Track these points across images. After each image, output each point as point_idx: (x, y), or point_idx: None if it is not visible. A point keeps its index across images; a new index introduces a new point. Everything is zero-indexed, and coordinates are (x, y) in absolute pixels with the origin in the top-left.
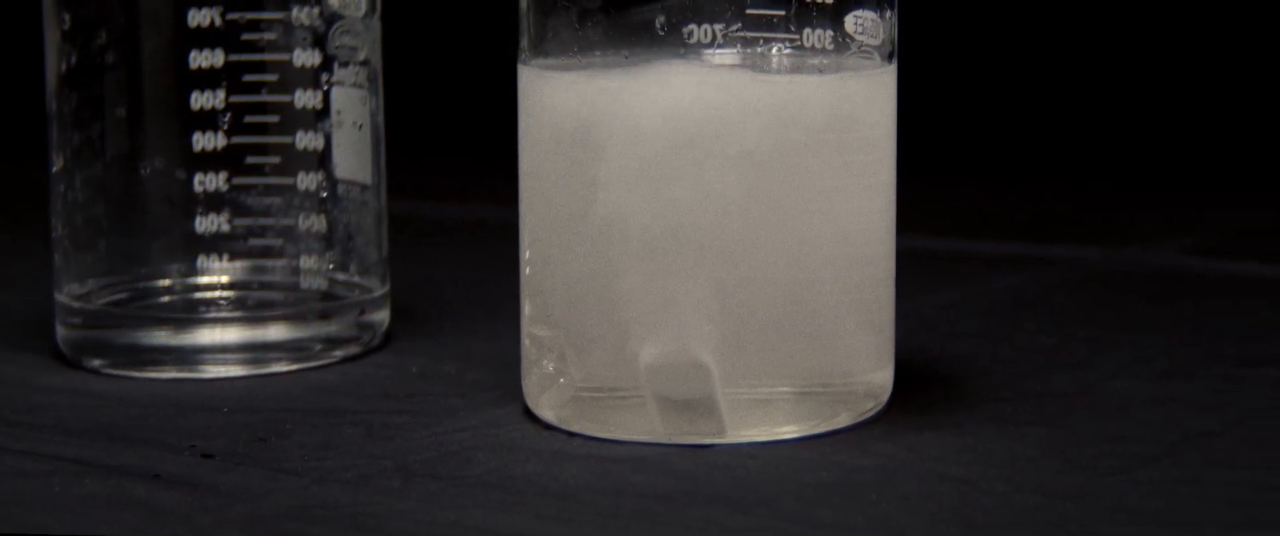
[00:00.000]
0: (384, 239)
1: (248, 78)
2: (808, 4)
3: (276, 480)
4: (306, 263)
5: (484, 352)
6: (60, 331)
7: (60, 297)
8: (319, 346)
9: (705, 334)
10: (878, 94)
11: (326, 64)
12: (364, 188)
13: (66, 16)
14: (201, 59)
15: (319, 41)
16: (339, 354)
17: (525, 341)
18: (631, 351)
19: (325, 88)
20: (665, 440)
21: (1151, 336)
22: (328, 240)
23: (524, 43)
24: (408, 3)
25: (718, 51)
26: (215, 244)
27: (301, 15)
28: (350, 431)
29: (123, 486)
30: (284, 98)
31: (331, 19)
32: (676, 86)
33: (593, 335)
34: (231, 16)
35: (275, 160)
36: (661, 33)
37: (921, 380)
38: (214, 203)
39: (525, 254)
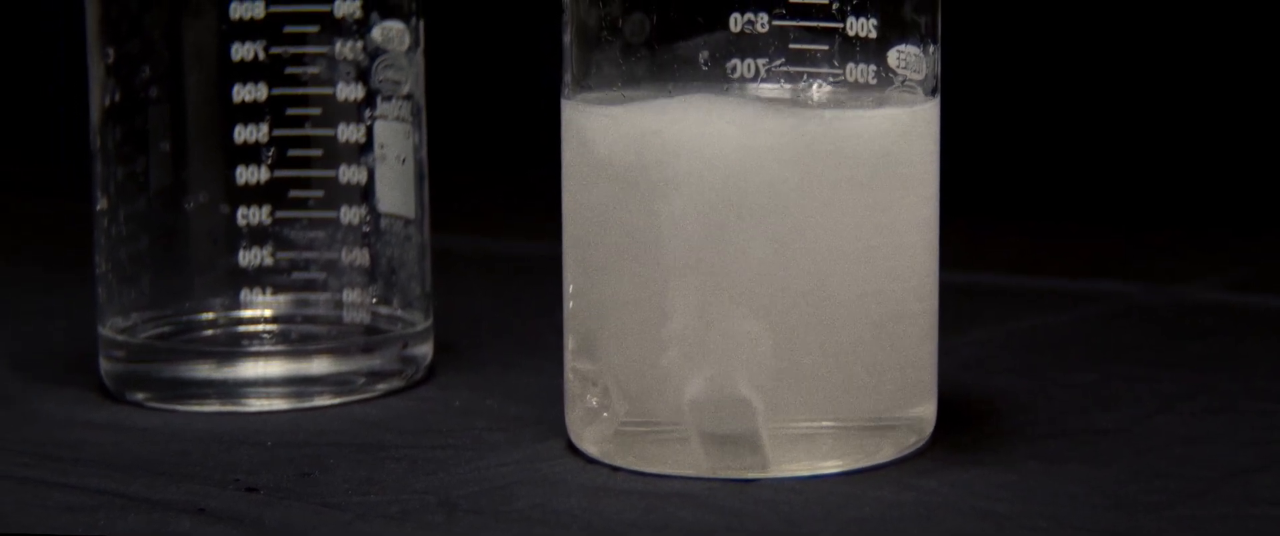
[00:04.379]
0: (427, 273)
1: (291, 112)
2: (851, 39)
3: (321, 514)
4: (350, 296)
5: (527, 387)
6: (103, 365)
7: (103, 331)
8: (362, 380)
9: (748, 369)
10: (921, 129)
11: (370, 98)
12: (407, 221)
13: (110, 51)
14: (245, 93)
15: (362, 75)
16: (382, 387)
17: (568, 376)
18: (675, 386)
19: (368, 122)
20: (709, 474)
21: (1193, 372)
22: (371, 274)
23: (567, 77)
24: (451, 37)
25: (761, 86)
26: (258, 277)
27: (345, 49)
28: (393, 465)
29: (167, 521)
30: (327, 132)
31: (375, 53)
32: (720, 121)
33: (636, 370)
34: (275, 50)
35: (318, 194)
36: (705, 68)
37: (964, 415)
38: (257, 236)
39: (568, 288)
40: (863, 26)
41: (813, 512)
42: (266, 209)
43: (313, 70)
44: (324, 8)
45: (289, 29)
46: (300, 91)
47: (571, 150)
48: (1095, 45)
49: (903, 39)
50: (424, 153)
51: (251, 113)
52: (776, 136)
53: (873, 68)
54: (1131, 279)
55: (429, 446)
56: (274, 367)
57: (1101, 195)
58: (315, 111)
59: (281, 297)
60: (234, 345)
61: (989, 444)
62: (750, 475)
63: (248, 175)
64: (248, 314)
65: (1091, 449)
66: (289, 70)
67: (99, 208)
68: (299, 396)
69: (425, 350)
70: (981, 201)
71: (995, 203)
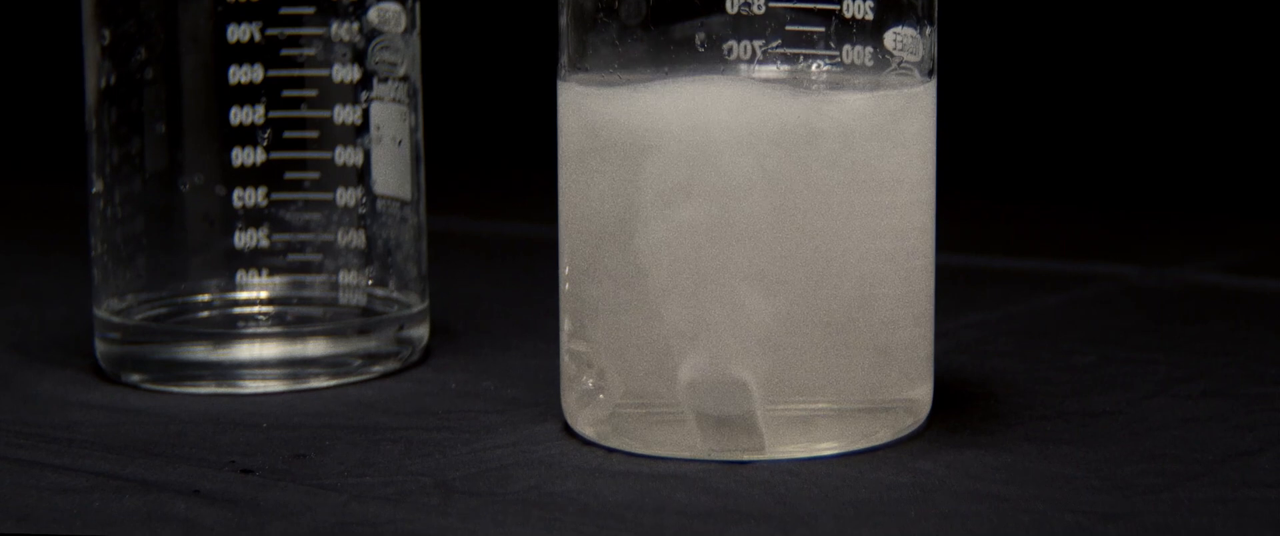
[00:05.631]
0: (423, 255)
1: (287, 93)
2: (847, 21)
3: (316, 496)
4: (345, 278)
5: (523, 369)
6: (99, 347)
7: (99, 313)
8: (358, 362)
9: (745, 351)
10: (917, 111)
11: (366, 80)
12: (403, 203)
13: (106, 33)
14: (241, 74)
15: (359, 57)
16: (378, 369)
17: (564, 357)
18: (671, 368)
19: (365, 103)
20: (705, 456)
21: (1190, 355)
22: (367, 256)
23: (563, 59)
24: (448, 19)
25: (757, 68)
26: (254, 259)
27: (341, 31)
28: (389, 447)
29: (162, 502)
30: (323, 113)
31: (371, 35)
32: (715, 103)
33: (632, 351)
34: (271, 32)
35: (314, 176)
36: (701, 49)
37: (960, 398)
38: (253, 218)
39: (564, 270)
40: (859, 8)
41: (809, 494)
42: (262, 190)
43: (309, 52)
44: None
45: (285, 10)
46: (296, 73)
47: (567, 132)
48: (1092, 27)
49: (899, 21)
50: (420, 134)
51: (247, 94)
52: (773, 118)
53: (869, 49)
54: (1129, 261)
55: (425, 428)
56: (269, 349)
57: (1099, 177)
58: (311, 93)
59: (277, 279)
60: (229, 327)
61: (986, 426)
62: (746, 457)
63: (243, 157)
64: (243, 296)
65: (1088, 431)
66: (285, 52)
67: (94, 190)
68: (294, 378)
69: (421, 332)
70: (978, 183)
71: (992, 185)
